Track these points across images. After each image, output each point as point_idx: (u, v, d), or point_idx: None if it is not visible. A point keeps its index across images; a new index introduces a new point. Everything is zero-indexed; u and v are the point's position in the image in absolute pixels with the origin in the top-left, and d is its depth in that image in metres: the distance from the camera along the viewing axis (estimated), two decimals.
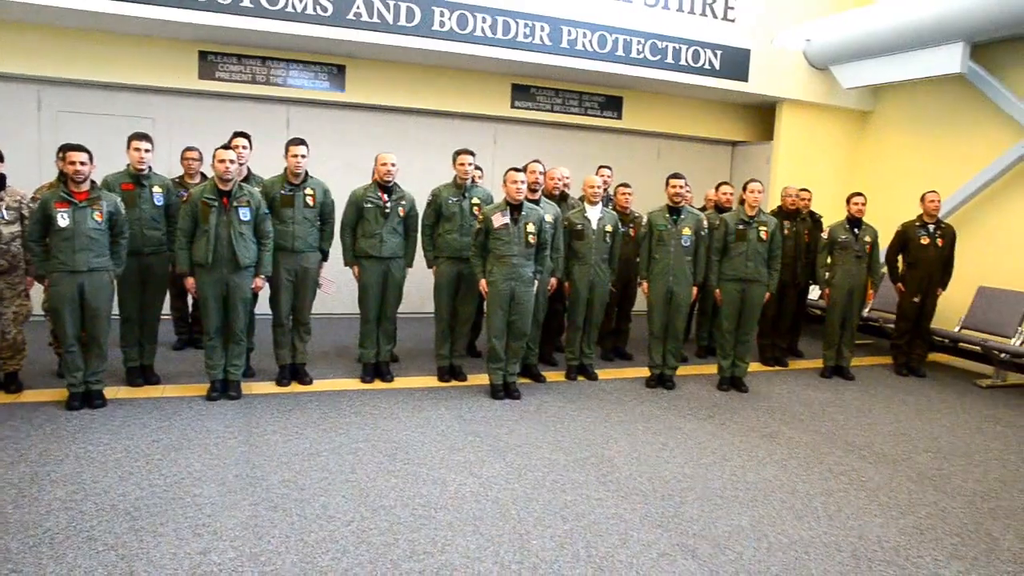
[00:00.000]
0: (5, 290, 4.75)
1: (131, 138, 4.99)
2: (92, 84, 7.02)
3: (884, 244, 6.83)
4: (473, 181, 5.75)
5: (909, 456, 4.63)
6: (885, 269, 7.02)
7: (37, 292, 4.93)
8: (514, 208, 5.20)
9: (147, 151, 4.99)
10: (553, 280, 5.81)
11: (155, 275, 5.15)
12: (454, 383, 5.72)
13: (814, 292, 7.39)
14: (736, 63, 8.26)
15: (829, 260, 6.64)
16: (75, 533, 3.06)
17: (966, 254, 7.19)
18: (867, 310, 7.54)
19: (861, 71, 8.24)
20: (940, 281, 6.70)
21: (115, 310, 4.81)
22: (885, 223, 7.02)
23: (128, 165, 5.04)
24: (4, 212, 4.68)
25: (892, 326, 7.09)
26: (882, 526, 3.58)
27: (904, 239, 6.74)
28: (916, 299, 6.68)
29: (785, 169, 8.90)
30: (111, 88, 7.13)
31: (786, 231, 6.67)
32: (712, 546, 3.27)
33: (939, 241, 6.60)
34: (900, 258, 6.84)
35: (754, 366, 6.54)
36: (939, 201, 6.66)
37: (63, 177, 4.62)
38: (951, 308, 7.24)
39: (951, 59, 7.25)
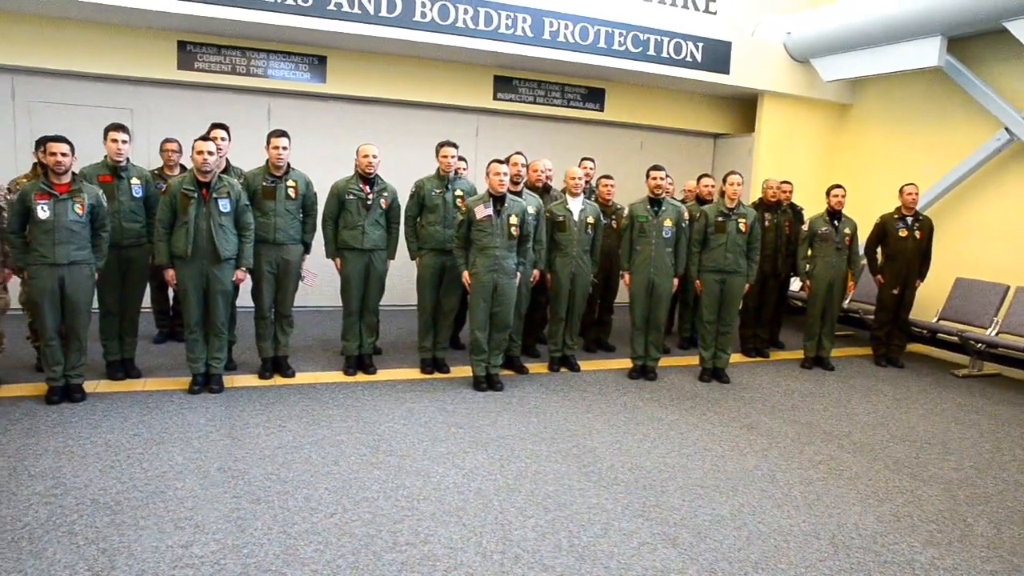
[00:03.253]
0: None
1: (108, 129, 4.92)
2: (68, 74, 6.91)
3: (863, 236, 6.90)
4: (457, 173, 5.75)
5: (887, 445, 4.70)
6: (864, 261, 7.09)
7: (15, 285, 4.88)
8: (497, 200, 5.21)
9: (125, 142, 4.92)
10: (536, 272, 5.82)
11: (135, 268, 5.10)
12: (437, 375, 5.73)
13: (795, 284, 7.46)
14: (717, 55, 8.29)
15: (809, 252, 6.69)
16: (55, 528, 3.04)
17: (944, 246, 7.28)
18: (847, 301, 7.64)
19: (841, 64, 8.31)
20: (918, 273, 6.80)
21: (95, 303, 4.76)
22: (864, 215, 7.08)
23: (105, 156, 4.96)
24: None
25: (871, 317, 7.17)
26: (860, 514, 3.63)
27: (883, 231, 6.82)
28: (895, 290, 6.76)
29: (766, 161, 8.95)
30: (87, 78, 7.02)
31: (767, 223, 6.72)
32: (693, 535, 3.30)
33: (917, 233, 6.68)
34: (879, 250, 6.92)
35: (736, 357, 6.59)
36: (917, 194, 6.73)
37: (43, 168, 4.55)
38: (929, 299, 7.33)
39: (929, 53, 7.32)
